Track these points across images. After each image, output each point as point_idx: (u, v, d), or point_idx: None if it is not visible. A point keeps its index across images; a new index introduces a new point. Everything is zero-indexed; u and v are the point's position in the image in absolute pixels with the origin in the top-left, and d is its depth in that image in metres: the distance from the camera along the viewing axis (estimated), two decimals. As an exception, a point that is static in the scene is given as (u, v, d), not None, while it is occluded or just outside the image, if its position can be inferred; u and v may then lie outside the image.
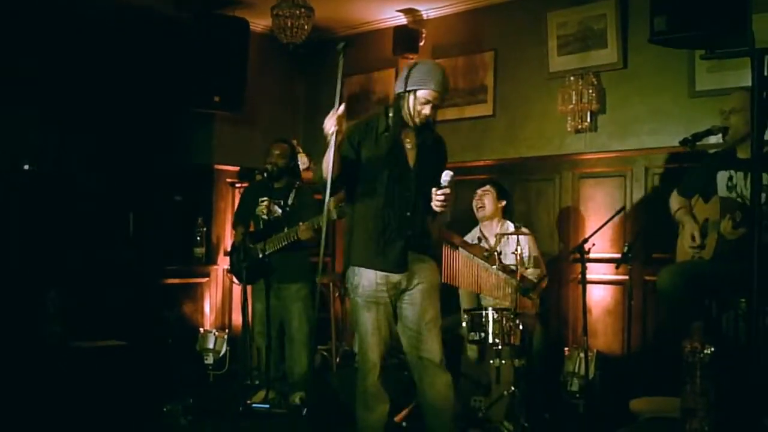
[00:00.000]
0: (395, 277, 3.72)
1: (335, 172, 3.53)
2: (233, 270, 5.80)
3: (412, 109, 3.70)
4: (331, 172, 3.51)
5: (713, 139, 4.40)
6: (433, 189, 3.58)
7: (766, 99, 3.09)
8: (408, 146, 3.76)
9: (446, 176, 3.56)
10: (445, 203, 3.59)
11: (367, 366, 3.74)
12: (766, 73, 2.88)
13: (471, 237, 5.35)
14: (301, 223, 5.21)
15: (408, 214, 3.70)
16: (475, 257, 4.85)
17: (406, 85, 3.70)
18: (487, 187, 5.48)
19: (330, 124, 3.45)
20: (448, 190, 3.57)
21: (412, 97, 3.70)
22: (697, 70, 5.28)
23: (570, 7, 5.91)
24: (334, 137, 3.46)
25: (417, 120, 3.72)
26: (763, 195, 3.72)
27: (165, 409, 4.96)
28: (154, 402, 5.05)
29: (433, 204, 3.60)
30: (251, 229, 5.62)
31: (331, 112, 3.46)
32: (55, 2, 5.99)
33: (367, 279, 3.72)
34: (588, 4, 5.81)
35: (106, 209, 6.25)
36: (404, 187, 3.71)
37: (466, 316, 4.73)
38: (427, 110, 3.70)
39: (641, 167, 5.59)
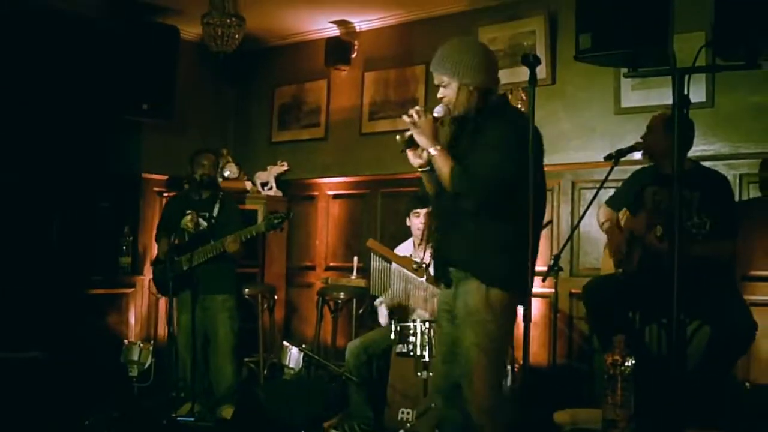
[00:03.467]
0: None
1: None
2: (157, 282, 5.70)
3: None
4: None
5: (638, 155, 4.51)
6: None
7: (687, 116, 3.18)
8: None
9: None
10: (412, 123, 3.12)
11: None
12: (686, 92, 2.96)
13: (404, 248, 5.31)
14: (228, 236, 5.18)
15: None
16: (404, 269, 4.86)
17: None
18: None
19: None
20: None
21: None
22: (623, 88, 5.41)
23: (500, 23, 5.98)
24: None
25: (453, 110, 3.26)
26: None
27: (87, 423, 4.83)
28: (76, 415, 4.91)
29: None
30: (176, 241, 5.52)
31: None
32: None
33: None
34: (518, 20, 5.89)
35: (28, 216, 6.09)
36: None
37: (393, 327, 4.72)
38: (440, 93, 3.29)
39: (568, 181, 5.69)
